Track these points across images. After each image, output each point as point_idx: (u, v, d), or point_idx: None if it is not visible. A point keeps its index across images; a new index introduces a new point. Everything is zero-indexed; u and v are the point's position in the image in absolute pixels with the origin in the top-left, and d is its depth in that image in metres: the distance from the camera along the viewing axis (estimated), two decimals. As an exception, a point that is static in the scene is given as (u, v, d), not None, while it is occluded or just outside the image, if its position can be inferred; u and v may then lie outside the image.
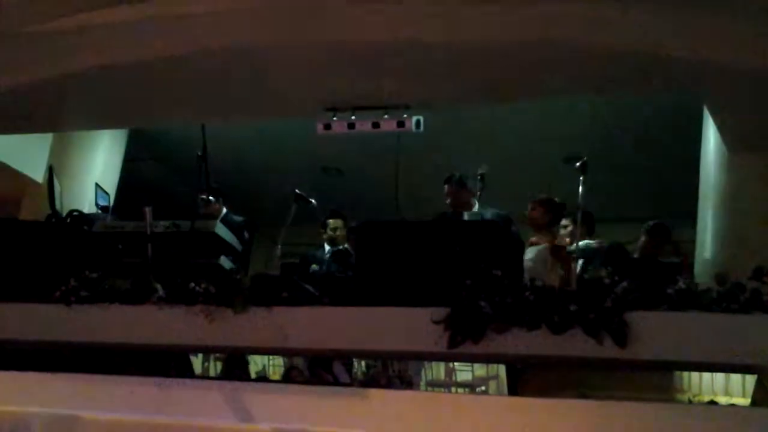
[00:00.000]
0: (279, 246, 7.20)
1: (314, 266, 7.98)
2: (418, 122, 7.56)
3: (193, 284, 5.30)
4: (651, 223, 7.50)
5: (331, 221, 8.28)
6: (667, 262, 7.03)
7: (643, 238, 7.46)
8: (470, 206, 7.38)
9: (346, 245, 8.18)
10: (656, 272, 6.67)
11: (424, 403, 4.99)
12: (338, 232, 8.25)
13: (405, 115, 7.54)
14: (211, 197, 7.38)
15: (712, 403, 6.38)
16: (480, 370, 9.13)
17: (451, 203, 7.49)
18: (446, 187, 7.55)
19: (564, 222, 7.32)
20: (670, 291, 4.54)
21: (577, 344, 4.45)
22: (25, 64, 7.04)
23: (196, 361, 7.89)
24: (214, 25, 6.53)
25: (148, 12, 6.45)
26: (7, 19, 6.46)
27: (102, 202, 8.92)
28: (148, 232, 5.94)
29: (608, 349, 4.38)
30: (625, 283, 4.54)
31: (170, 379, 5.29)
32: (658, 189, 10.80)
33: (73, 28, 6.60)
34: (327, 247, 8.25)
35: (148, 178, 12.08)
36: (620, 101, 9.07)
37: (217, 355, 8.06)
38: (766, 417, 4.40)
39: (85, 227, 6.64)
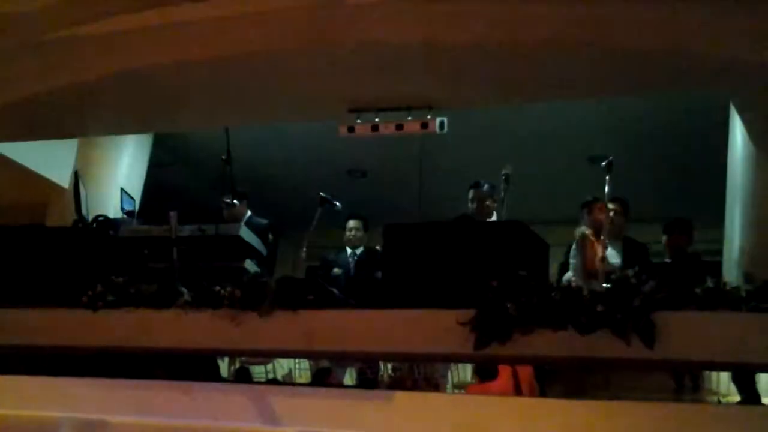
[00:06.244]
0: (304, 249, 7.21)
1: (336, 270, 8.01)
2: (442, 123, 7.48)
3: (218, 288, 5.32)
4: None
5: (348, 222, 8.33)
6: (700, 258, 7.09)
7: (664, 238, 7.51)
8: (490, 216, 7.40)
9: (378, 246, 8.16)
10: (687, 266, 6.69)
11: (450, 405, 4.98)
12: (354, 233, 8.31)
13: (429, 116, 7.49)
14: (235, 200, 7.39)
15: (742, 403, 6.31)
16: (507, 371, 9.07)
17: (477, 210, 7.46)
18: (473, 191, 7.52)
19: None
20: (698, 290, 4.49)
21: (604, 345, 4.41)
22: (48, 71, 7.07)
23: (223, 365, 7.90)
24: (235, 29, 6.54)
25: (170, 17, 6.47)
26: (30, 27, 6.51)
27: (127, 207, 8.96)
28: (174, 237, 5.96)
29: (636, 350, 4.34)
30: (652, 283, 4.50)
31: (196, 383, 5.31)
32: (684, 188, 10.70)
33: (95, 34, 6.63)
34: (349, 250, 8.28)
35: (173, 182, 12.10)
36: (646, 100, 9.00)
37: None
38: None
39: (111, 232, 6.68)
